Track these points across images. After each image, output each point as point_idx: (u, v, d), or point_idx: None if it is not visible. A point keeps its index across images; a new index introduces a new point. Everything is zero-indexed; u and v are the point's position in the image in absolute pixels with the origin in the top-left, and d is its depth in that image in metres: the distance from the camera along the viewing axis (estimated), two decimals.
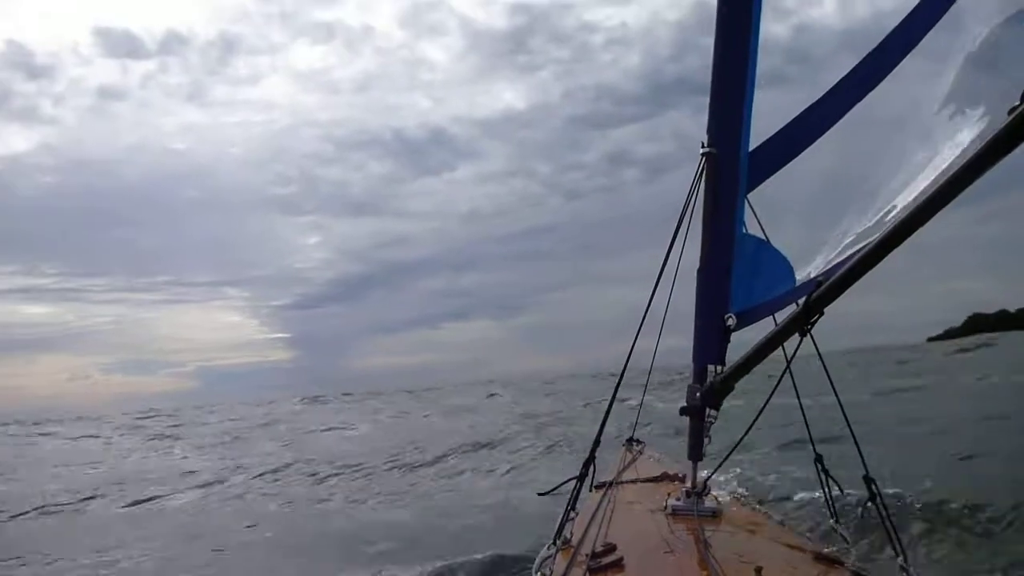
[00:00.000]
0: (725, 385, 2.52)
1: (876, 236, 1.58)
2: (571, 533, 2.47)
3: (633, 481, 3.39)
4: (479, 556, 5.11)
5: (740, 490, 5.12)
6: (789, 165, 2.60)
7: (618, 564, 2.09)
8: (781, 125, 2.60)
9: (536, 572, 2.39)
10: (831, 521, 2.65)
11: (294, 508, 9.08)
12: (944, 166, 1.57)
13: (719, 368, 2.62)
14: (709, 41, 2.57)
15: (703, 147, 2.63)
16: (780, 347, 2.15)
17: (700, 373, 2.70)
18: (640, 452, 4.31)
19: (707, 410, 2.67)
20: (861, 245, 1.81)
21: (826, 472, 2.63)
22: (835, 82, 2.44)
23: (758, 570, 1.83)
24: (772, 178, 2.63)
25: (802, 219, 2.79)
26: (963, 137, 1.62)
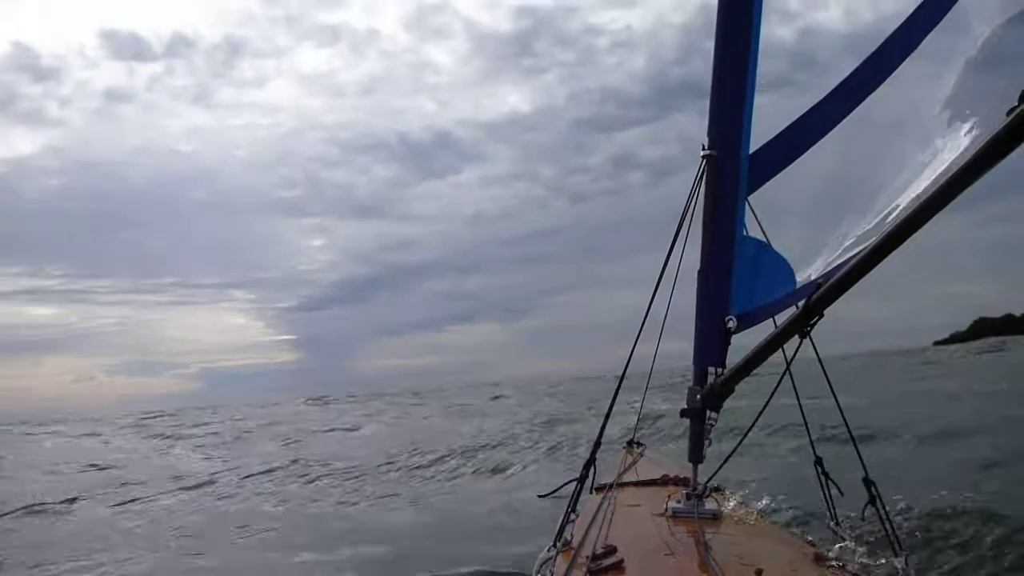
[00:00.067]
0: (725, 387, 2.52)
1: (874, 238, 1.58)
2: (571, 535, 2.47)
3: (634, 483, 3.39)
4: (478, 557, 5.11)
5: (741, 492, 5.11)
6: (790, 167, 2.60)
7: (618, 566, 2.09)
8: (783, 128, 2.61)
9: (536, 574, 2.39)
10: (831, 523, 2.65)
11: (287, 509, 9.04)
12: (943, 168, 1.57)
13: (719, 370, 2.62)
14: (712, 44, 2.57)
15: (703, 149, 2.63)
16: (781, 349, 2.16)
17: (701, 375, 2.70)
18: (641, 454, 4.31)
19: (708, 412, 2.67)
20: (861, 247, 1.82)
21: (826, 474, 2.63)
22: (835, 85, 2.44)
23: (758, 572, 1.84)
24: (773, 180, 2.64)
25: (803, 221, 2.80)
26: (963, 139, 1.62)
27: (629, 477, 3.55)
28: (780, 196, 2.67)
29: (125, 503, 10.24)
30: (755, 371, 2.35)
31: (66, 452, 20.46)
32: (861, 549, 2.49)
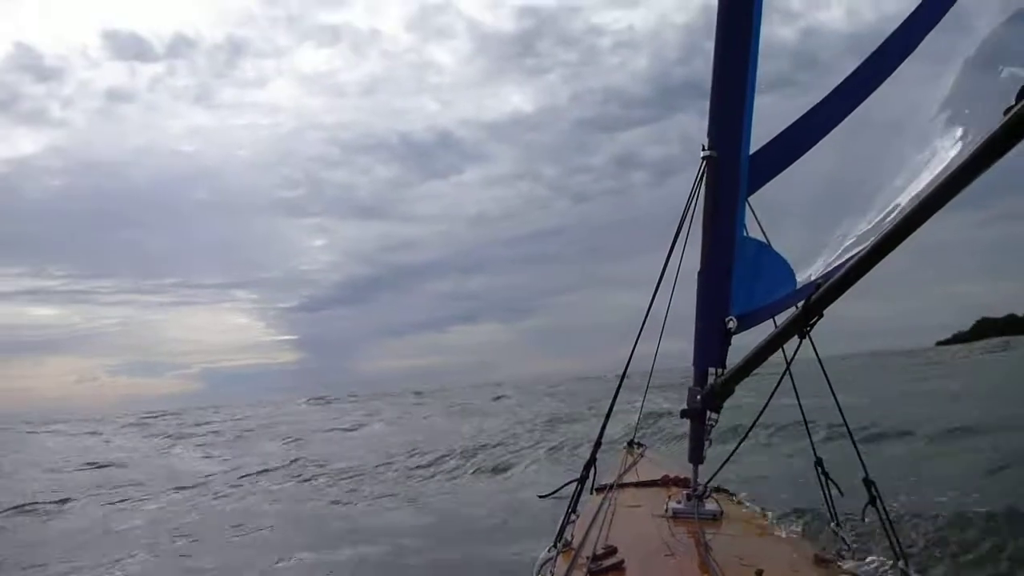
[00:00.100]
0: (726, 388, 2.52)
1: (873, 238, 1.58)
2: (572, 535, 2.47)
3: (634, 484, 3.39)
4: (479, 557, 5.11)
5: (742, 493, 5.10)
6: (790, 168, 2.60)
7: (619, 567, 2.08)
8: (783, 128, 2.60)
9: (536, 574, 2.38)
10: (831, 524, 2.64)
11: (285, 508, 9.05)
12: (942, 167, 1.57)
13: (720, 371, 2.62)
14: (712, 44, 2.57)
15: (703, 150, 2.63)
16: (781, 349, 2.16)
17: (701, 376, 2.70)
18: (641, 455, 4.30)
19: (708, 413, 2.67)
20: (860, 248, 1.81)
21: (826, 475, 2.62)
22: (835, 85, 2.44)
23: (758, 573, 1.83)
24: (773, 180, 2.63)
25: (803, 222, 2.80)
26: (962, 139, 1.62)
27: (630, 478, 3.55)
28: (780, 197, 2.66)
29: (121, 501, 10.28)
30: (754, 371, 2.35)
31: (66, 451, 20.50)
32: (862, 549, 2.48)
